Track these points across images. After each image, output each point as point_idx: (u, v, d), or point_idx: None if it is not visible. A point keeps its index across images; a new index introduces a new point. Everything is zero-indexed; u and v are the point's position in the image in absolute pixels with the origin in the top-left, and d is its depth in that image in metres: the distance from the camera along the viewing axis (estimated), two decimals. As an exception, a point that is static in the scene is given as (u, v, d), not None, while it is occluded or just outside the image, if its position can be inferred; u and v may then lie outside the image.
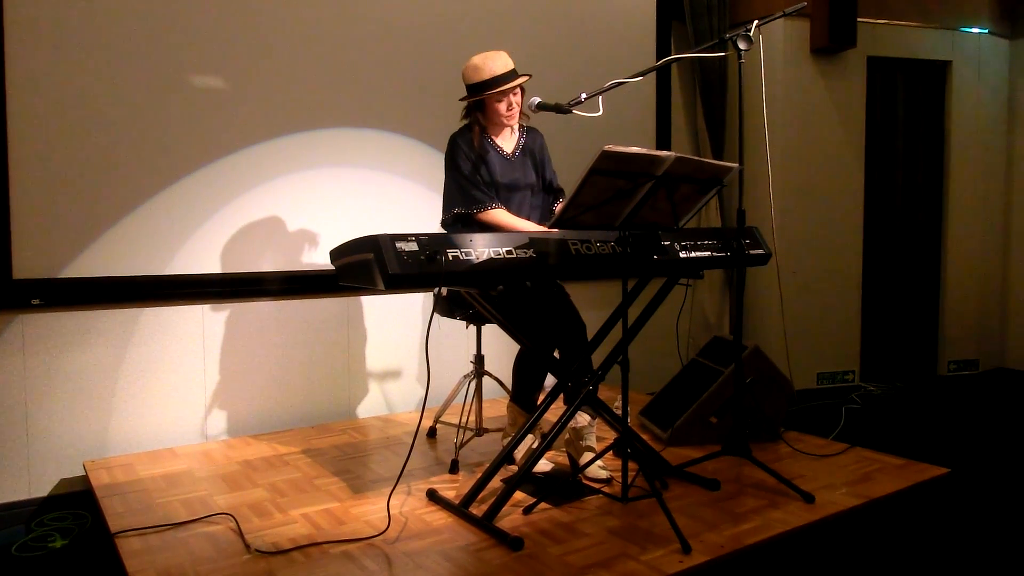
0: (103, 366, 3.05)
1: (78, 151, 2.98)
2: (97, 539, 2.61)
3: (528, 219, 2.77)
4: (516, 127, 2.86)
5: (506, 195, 2.75)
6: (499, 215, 2.67)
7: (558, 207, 2.71)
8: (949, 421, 4.14)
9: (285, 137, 3.42)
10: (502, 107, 2.69)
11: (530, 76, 2.72)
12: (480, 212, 2.66)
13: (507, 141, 2.82)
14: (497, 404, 3.66)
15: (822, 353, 4.76)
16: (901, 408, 4.38)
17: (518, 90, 2.72)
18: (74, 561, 2.52)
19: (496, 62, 2.65)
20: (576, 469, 2.66)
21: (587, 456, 2.67)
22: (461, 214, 2.68)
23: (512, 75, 2.67)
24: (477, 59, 2.67)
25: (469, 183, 2.68)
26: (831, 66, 4.71)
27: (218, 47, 3.25)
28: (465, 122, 2.79)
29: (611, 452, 2.46)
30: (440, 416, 3.28)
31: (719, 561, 2.06)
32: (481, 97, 2.68)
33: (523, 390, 2.80)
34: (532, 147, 2.86)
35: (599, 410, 2.61)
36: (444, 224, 2.77)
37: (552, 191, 2.93)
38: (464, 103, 2.75)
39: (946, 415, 4.26)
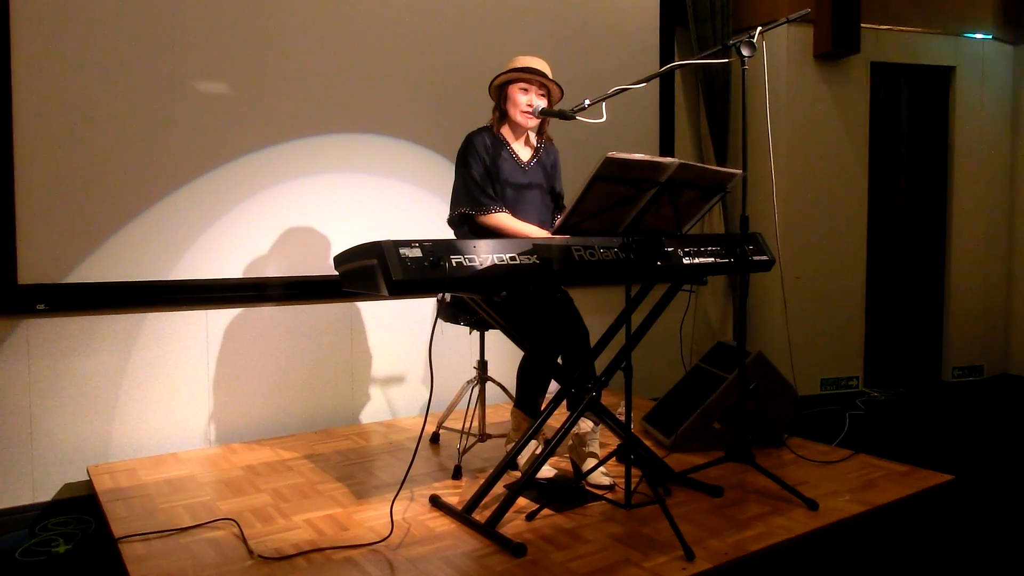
0: (107, 371, 3.06)
1: (83, 157, 2.99)
2: (100, 544, 2.61)
3: (542, 222, 2.78)
4: (536, 140, 2.87)
5: (515, 195, 2.76)
6: (502, 219, 2.67)
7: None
8: (953, 427, 4.13)
9: (290, 142, 3.43)
10: (523, 98, 2.72)
11: (562, 89, 2.75)
12: (483, 215, 2.67)
13: (524, 150, 2.83)
14: (500, 410, 3.66)
15: (826, 359, 4.75)
16: (905, 414, 4.37)
17: (544, 93, 2.75)
18: (77, 566, 2.52)
19: (534, 60, 2.74)
20: (579, 475, 2.66)
21: (590, 462, 2.67)
22: (466, 214, 2.70)
23: (543, 74, 2.72)
24: (518, 56, 2.77)
25: (476, 185, 2.69)
26: (835, 72, 4.71)
27: (223, 53, 3.26)
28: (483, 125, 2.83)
29: (614, 458, 2.45)
30: (443, 422, 3.28)
31: (722, 568, 2.06)
32: (506, 78, 2.72)
33: (527, 396, 2.80)
34: (546, 161, 2.88)
35: (602, 416, 2.61)
36: (450, 222, 2.79)
37: (556, 201, 2.93)
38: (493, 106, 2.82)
39: (950, 421, 4.24)
